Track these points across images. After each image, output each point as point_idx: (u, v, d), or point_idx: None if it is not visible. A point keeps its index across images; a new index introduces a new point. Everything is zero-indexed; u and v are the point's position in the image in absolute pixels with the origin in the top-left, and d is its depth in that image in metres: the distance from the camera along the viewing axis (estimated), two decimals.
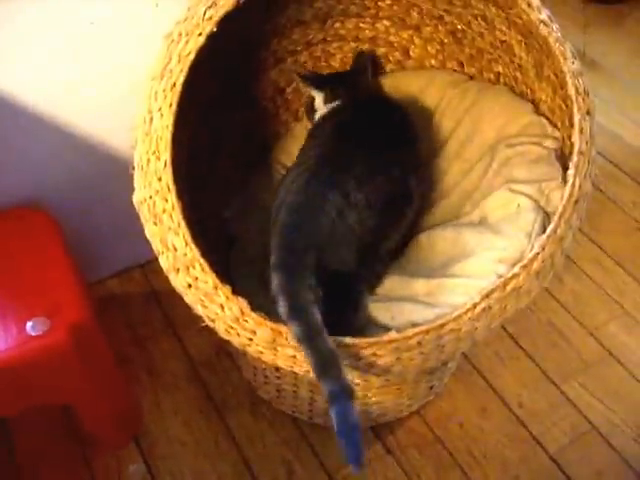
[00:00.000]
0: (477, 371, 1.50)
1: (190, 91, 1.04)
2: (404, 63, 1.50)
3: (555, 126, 1.26)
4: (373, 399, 1.30)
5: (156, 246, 1.06)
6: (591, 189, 1.08)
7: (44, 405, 1.27)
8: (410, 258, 1.26)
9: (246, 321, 1.00)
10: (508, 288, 1.03)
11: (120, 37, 1.30)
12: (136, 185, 1.07)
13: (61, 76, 1.30)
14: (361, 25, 1.45)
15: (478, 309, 1.02)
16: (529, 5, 1.09)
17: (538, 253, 1.04)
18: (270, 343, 1.01)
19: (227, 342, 1.06)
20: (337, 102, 1.35)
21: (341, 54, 1.48)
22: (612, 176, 1.92)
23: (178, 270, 1.03)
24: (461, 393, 1.47)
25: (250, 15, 1.13)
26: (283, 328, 0.99)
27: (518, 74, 1.33)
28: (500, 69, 1.38)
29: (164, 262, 1.05)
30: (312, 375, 0.97)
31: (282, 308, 1.00)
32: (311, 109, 1.38)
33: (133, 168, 1.08)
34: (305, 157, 1.26)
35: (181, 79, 1.02)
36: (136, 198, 1.08)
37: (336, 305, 1.09)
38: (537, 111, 1.30)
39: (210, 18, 1.02)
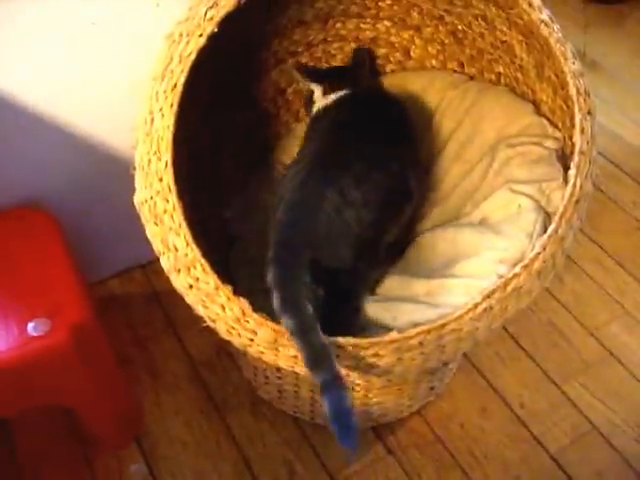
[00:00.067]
0: (478, 371, 1.50)
1: (191, 91, 1.04)
2: (405, 64, 1.50)
3: (556, 126, 1.26)
4: (374, 399, 1.30)
5: (157, 247, 1.06)
6: (592, 189, 1.08)
7: (45, 405, 1.27)
8: (411, 259, 1.26)
9: (247, 321, 1.00)
10: (509, 288, 1.03)
11: (121, 37, 1.30)
12: (137, 185, 1.07)
13: (61, 76, 1.29)
14: (362, 25, 1.45)
15: (479, 309, 1.02)
16: (530, 5, 1.09)
17: (539, 253, 1.04)
18: (271, 343, 1.01)
19: (228, 342, 1.06)
20: (335, 94, 1.35)
21: (342, 54, 1.48)
22: (613, 176, 1.92)
23: (179, 270, 1.03)
24: (462, 393, 1.47)
25: (251, 15, 1.13)
26: (284, 328, 0.99)
27: (519, 74, 1.33)
28: (501, 69, 1.38)
29: (165, 263, 1.05)
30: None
31: (275, 301, 1.01)
32: (310, 101, 1.38)
33: (134, 168, 1.08)
34: (303, 154, 1.26)
35: (182, 80, 1.02)
36: (137, 198, 1.08)
37: (336, 304, 1.09)
38: (538, 112, 1.30)
39: (211, 18, 1.02)
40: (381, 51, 1.49)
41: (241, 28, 1.13)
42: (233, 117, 1.39)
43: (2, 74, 1.24)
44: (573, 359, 1.53)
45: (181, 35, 1.04)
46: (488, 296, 1.02)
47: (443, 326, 1.01)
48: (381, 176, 1.17)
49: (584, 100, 1.07)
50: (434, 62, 1.47)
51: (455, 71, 1.45)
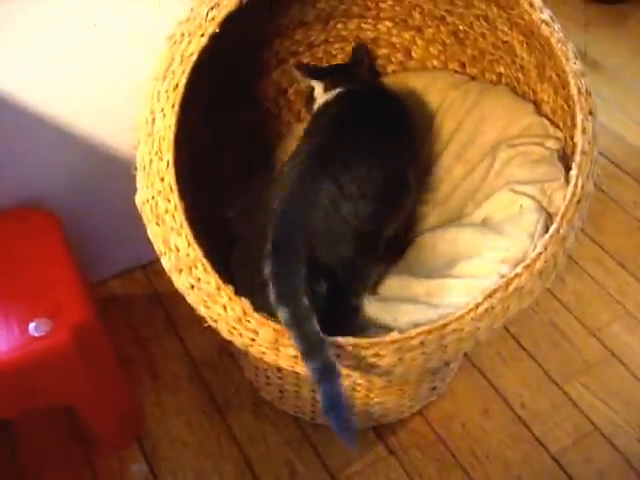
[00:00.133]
0: (479, 371, 1.50)
1: (192, 91, 1.04)
2: (406, 64, 1.50)
3: (557, 126, 1.26)
4: (375, 400, 1.30)
5: (158, 247, 1.06)
6: (593, 189, 1.08)
7: (47, 406, 1.27)
8: (412, 259, 1.26)
9: (249, 321, 1.00)
10: (510, 288, 1.03)
11: (122, 38, 1.30)
12: (138, 186, 1.08)
13: (62, 76, 1.30)
14: (363, 26, 1.45)
15: (481, 309, 1.02)
16: (531, 5, 1.09)
17: (541, 253, 1.04)
18: (272, 343, 1.01)
19: (229, 343, 1.06)
20: (336, 91, 1.35)
21: (343, 55, 1.48)
22: (614, 176, 1.92)
23: (180, 271, 1.03)
24: (463, 394, 1.47)
25: (253, 16, 1.13)
26: (281, 321, 0.99)
27: (520, 75, 1.33)
28: (502, 70, 1.38)
29: (166, 263, 1.05)
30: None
31: (272, 294, 1.01)
32: (310, 99, 1.39)
33: (135, 169, 1.08)
34: (300, 149, 1.26)
35: (183, 80, 1.02)
36: (138, 199, 1.08)
37: (335, 303, 1.10)
38: (539, 112, 1.30)
39: (213, 19, 1.02)
40: (382, 51, 1.49)
41: (242, 28, 1.13)
42: (234, 117, 1.39)
43: (3, 74, 1.24)
44: (574, 359, 1.53)
45: (183, 35, 1.04)
46: (489, 296, 1.02)
47: (444, 326, 1.01)
48: (378, 169, 1.17)
49: (585, 100, 1.07)
50: (435, 62, 1.47)
51: (456, 71, 1.45)
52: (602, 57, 2.25)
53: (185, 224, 1.02)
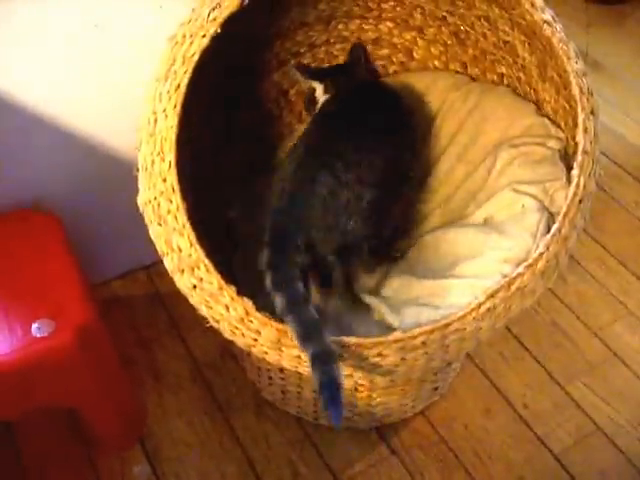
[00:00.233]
0: (481, 372, 1.50)
1: (194, 92, 1.04)
2: (407, 64, 1.50)
3: (559, 126, 1.26)
4: (378, 400, 1.30)
5: (161, 247, 1.06)
6: (595, 189, 1.08)
7: (49, 407, 1.27)
8: (414, 260, 1.26)
9: (251, 321, 1.00)
10: (513, 288, 1.03)
11: (123, 38, 1.30)
12: (140, 186, 1.08)
13: (63, 77, 1.30)
14: (364, 27, 1.45)
15: (483, 309, 1.02)
16: (532, 5, 1.09)
17: (543, 253, 1.04)
18: (275, 343, 1.01)
19: (232, 343, 1.06)
20: (335, 90, 1.36)
21: (344, 55, 1.48)
22: (615, 176, 1.92)
23: (183, 271, 1.03)
24: (465, 394, 1.46)
25: (254, 17, 1.13)
26: (288, 328, 0.99)
27: (521, 75, 1.33)
28: (503, 70, 1.38)
29: (169, 263, 1.05)
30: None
31: (268, 282, 1.02)
32: (312, 100, 1.39)
33: (137, 169, 1.08)
34: (298, 145, 1.28)
35: (185, 81, 1.03)
36: (140, 199, 1.08)
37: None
38: (541, 112, 1.30)
39: (214, 20, 1.02)
40: (384, 52, 1.49)
41: (244, 29, 1.13)
42: (236, 118, 1.39)
43: (3, 74, 1.24)
44: (577, 359, 1.53)
45: (184, 36, 1.04)
46: (492, 296, 1.02)
47: (447, 326, 1.01)
48: (376, 156, 1.18)
49: (587, 99, 1.07)
50: (437, 63, 1.47)
51: (458, 72, 1.45)
52: (603, 57, 2.24)
53: (187, 225, 1.02)
